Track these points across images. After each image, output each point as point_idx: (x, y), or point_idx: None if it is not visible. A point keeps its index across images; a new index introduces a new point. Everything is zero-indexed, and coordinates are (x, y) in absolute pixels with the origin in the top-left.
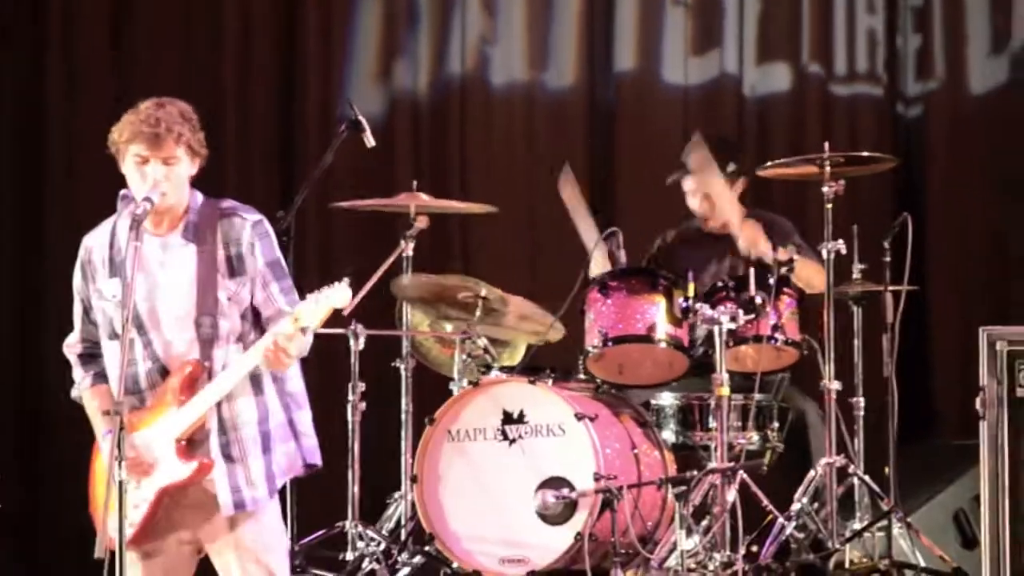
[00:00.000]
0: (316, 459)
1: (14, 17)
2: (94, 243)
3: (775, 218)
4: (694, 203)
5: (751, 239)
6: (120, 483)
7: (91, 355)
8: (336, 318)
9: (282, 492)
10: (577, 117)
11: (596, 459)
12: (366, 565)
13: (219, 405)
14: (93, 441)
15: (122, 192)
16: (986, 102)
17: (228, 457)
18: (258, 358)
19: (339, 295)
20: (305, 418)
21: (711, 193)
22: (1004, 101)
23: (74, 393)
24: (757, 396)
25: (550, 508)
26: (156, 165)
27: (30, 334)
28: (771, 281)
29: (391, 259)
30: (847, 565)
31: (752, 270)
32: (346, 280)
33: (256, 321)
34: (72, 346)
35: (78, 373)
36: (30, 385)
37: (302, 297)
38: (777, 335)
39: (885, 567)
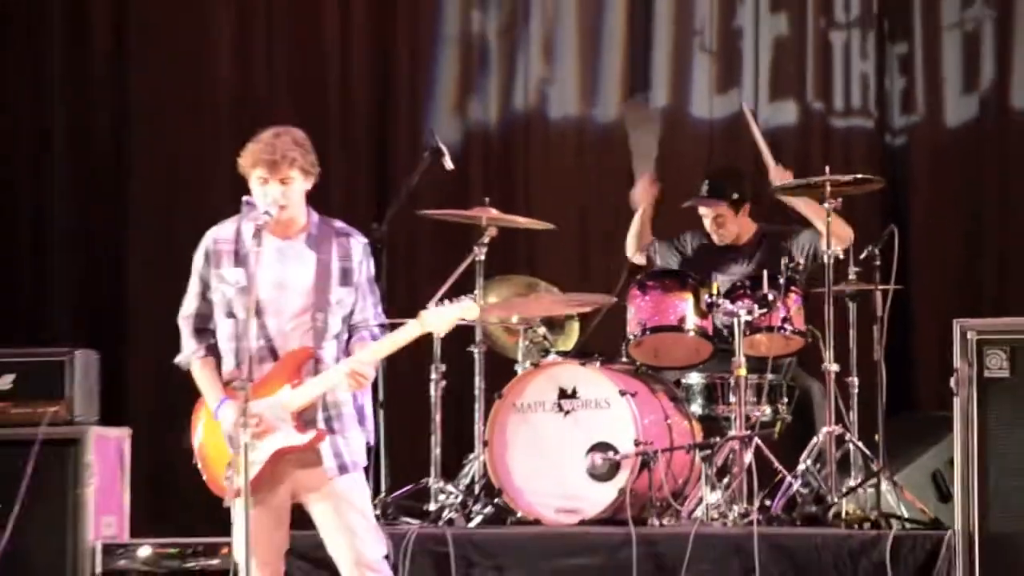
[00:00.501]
0: (371, 439)
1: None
2: (220, 236)
3: (783, 228)
4: (708, 223)
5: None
6: (244, 445)
7: (202, 329)
8: (414, 310)
9: (376, 454)
10: (620, 146)
11: (636, 428)
12: (446, 514)
13: None
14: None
15: (245, 198)
16: (959, 133)
17: (331, 429)
18: (377, 357)
19: (468, 310)
20: (369, 406)
21: (723, 220)
22: (974, 132)
23: (180, 360)
24: (769, 376)
25: (598, 468)
26: (274, 185)
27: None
28: (781, 281)
29: (465, 263)
30: (843, 516)
31: (765, 272)
32: (472, 296)
33: (349, 329)
34: (187, 318)
35: (190, 344)
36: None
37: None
38: (786, 326)
39: (875, 517)
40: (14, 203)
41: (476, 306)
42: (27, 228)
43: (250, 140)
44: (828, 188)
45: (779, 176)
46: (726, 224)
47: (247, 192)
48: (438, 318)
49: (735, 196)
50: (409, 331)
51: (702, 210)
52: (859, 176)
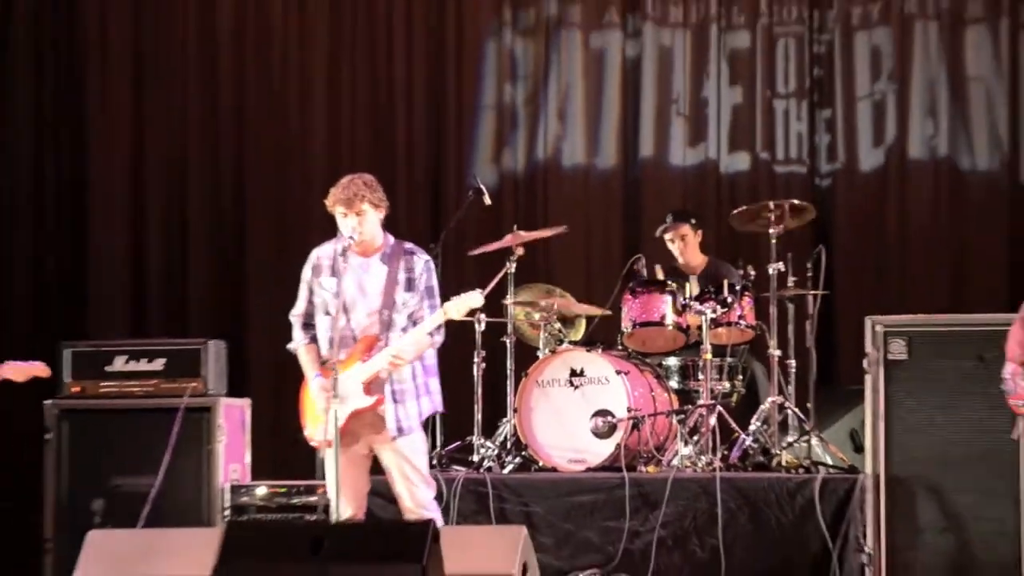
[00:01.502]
0: (440, 408)
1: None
2: (322, 254)
3: (725, 265)
4: (675, 246)
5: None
6: (333, 409)
7: (308, 324)
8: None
9: (432, 420)
10: (616, 188)
11: (628, 398)
12: (485, 463)
13: None
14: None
15: (339, 232)
16: (869, 177)
17: (394, 399)
18: (420, 336)
19: (475, 299)
20: (434, 382)
21: (686, 238)
22: (881, 176)
23: (291, 346)
24: (728, 359)
25: (599, 429)
26: (351, 217)
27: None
28: (737, 288)
29: (501, 273)
30: (783, 464)
31: (726, 281)
32: (478, 290)
33: (414, 323)
34: (297, 316)
35: (299, 335)
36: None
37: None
38: (740, 321)
39: (807, 464)
40: (167, 229)
41: (480, 296)
42: (177, 249)
43: (334, 186)
44: (772, 217)
45: None
46: (688, 241)
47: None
48: (454, 306)
49: (692, 221)
50: (434, 318)
51: (668, 235)
52: (796, 202)
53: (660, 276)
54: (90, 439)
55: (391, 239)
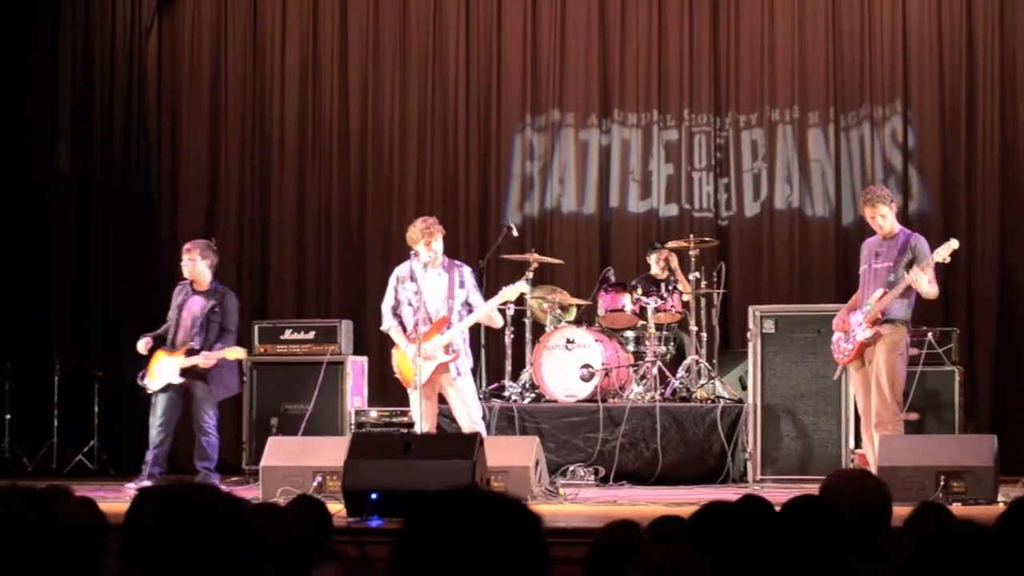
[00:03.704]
0: (472, 364)
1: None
2: (401, 270)
3: (676, 275)
4: (656, 263)
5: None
6: (419, 365)
7: (394, 313)
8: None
9: (479, 370)
10: (595, 226)
11: (602, 357)
12: (512, 396)
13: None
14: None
15: (412, 252)
16: (752, 220)
17: (455, 355)
18: (481, 318)
19: (523, 286)
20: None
21: (670, 261)
22: (758, 220)
23: (385, 327)
24: (664, 332)
25: (584, 376)
26: (425, 248)
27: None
28: (671, 288)
29: (522, 279)
30: (698, 397)
31: (662, 283)
32: (524, 279)
33: (468, 308)
34: (388, 308)
35: (390, 319)
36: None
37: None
38: (672, 308)
39: (713, 397)
40: (318, 240)
41: (525, 283)
42: (324, 256)
43: (411, 225)
44: (693, 244)
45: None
46: (666, 263)
47: (408, 250)
48: (509, 291)
49: (657, 245)
50: (493, 302)
51: (654, 257)
52: (706, 238)
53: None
54: (270, 381)
55: (446, 258)
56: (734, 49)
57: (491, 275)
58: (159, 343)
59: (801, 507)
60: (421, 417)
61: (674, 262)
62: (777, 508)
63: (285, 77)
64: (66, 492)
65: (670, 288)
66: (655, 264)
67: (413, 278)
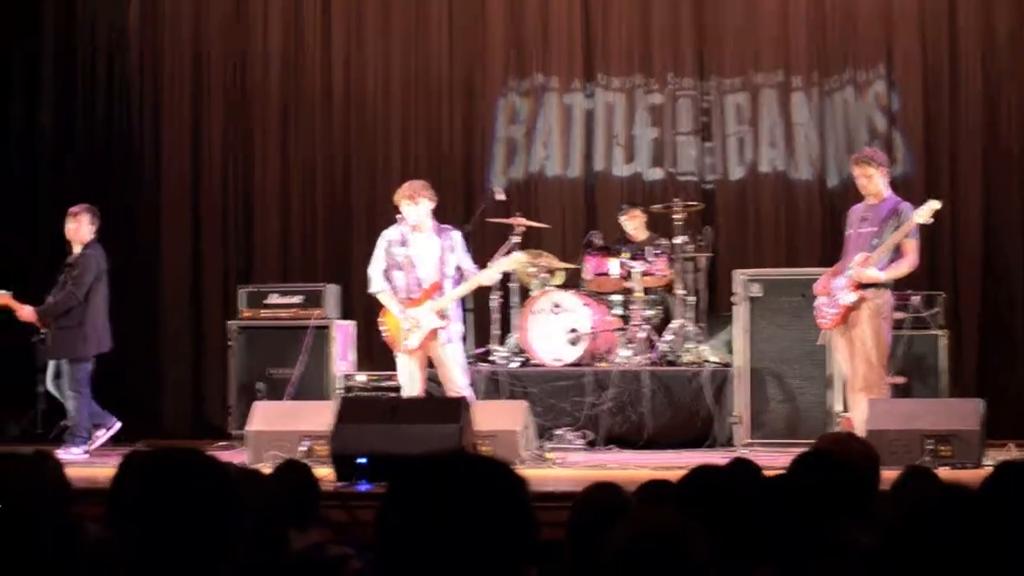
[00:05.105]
0: (463, 331)
1: None
2: (390, 234)
3: (658, 238)
4: (630, 225)
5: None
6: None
7: (386, 278)
8: (482, 266)
9: (467, 335)
10: (579, 190)
11: (591, 321)
12: (499, 361)
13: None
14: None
15: (398, 216)
16: (737, 184)
17: (445, 320)
18: (473, 287)
19: (520, 257)
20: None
21: (636, 219)
22: (742, 184)
23: (373, 290)
24: (651, 296)
25: (572, 339)
26: (412, 207)
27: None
28: (657, 252)
29: (507, 244)
30: (685, 360)
31: (649, 247)
32: (520, 252)
33: (459, 273)
34: (376, 272)
35: (381, 283)
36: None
37: (483, 264)
38: (659, 272)
39: (700, 361)
40: (304, 209)
41: (522, 255)
42: (309, 221)
43: (398, 188)
44: (679, 207)
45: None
46: (637, 221)
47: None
48: (507, 261)
49: (640, 206)
50: (491, 271)
51: (624, 217)
52: (691, 203)
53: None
54: (255, 345)
55: (436, 222)
56: (718, 12)
57: (477, 239)
58: None
59: (810, 463)
60: (409, 381)
61: (636, 221)
62: (767, 473)
63: (268, 39)
64: (49, 456)
65: (657, 252)
66: (627, 225)
67: (404, 243)
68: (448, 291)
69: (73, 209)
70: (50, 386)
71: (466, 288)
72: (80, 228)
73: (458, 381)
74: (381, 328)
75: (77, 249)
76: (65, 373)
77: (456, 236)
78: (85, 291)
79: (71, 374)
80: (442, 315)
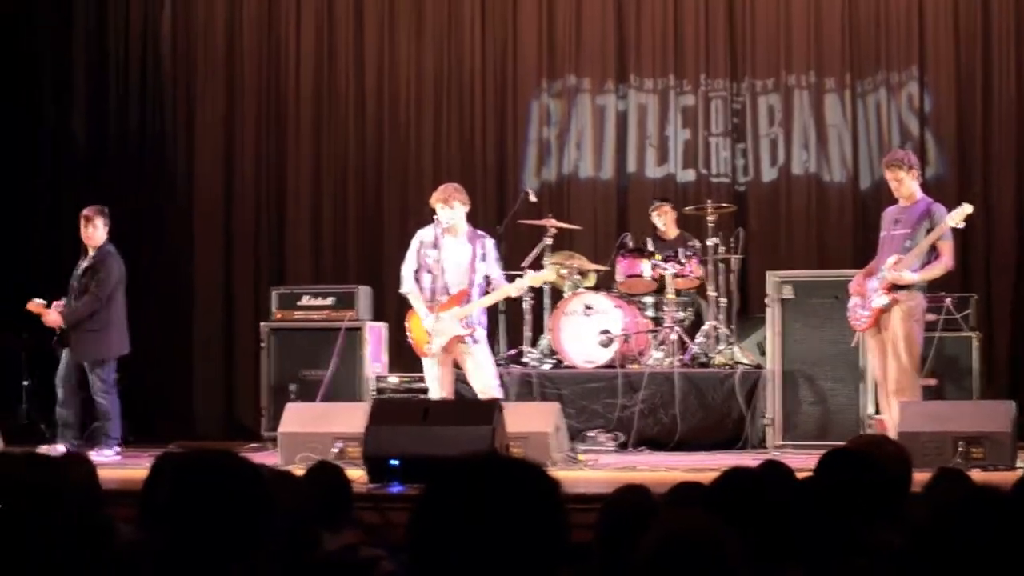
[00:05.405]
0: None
1: None
2: (425, 234)
3: (690, 237)
4: (660, 221)
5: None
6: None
7: (416, 279)
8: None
9: (496, 336)
10: (612, 191)
11: (622, 322)
12: (531, 363)
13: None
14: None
15: (434, 216)
16: (769, 186)
17: (472, 327)
18: (500, 299)
19: (549, 274)
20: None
21: (667, 214)
22: (774, 186)
23: (404, 291)
24: (683, 298)
25: (603, 341)
26: (447, 210)
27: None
28: (689, 254)
29: (540, 245)
30: (717, 362)
31: (681, 248)
32: (549, 269)
33: (487, 281)
34: (408, 272)
35: (411, 284)
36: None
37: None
38: (690, 274)
39: (731, 363)
40: (335, 213)
41: (552, 272)
42: (340, 225)
43: (432, 190)
44: (711, 208)
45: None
46: (667, 217)
47: (431, 214)
48: (538, 276)
49: (671, 202)
50: (519, 284)
51: (655, 212)
52: (724, 204)
53: (640, 246)
54: (288, 347)
55: (470, 227)
56: (750, 14)
57: (509, 240)
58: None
59: (837, 463)
60: (435, 384)
61: (667, 217)
62: (798, 475)
63: (300, 42)
64: (82, 459)
65: (689, 253)
66: (658, 221)
67: (436, 245)
68: (475, 299)
69: (86, 212)
70: (58, 383)
71: (492, 299)
72: (96, 231)
73: (485, 381)
74: (407, 332)
75: (92, 252)
76: (93, 376)
77: (489, 244)
78: (108, 293)
79: (100, 376)
80: (466, 323)
